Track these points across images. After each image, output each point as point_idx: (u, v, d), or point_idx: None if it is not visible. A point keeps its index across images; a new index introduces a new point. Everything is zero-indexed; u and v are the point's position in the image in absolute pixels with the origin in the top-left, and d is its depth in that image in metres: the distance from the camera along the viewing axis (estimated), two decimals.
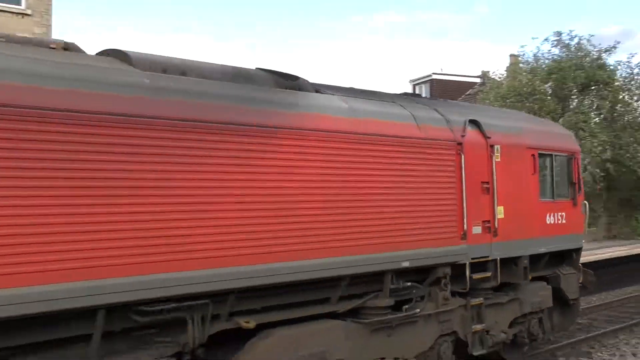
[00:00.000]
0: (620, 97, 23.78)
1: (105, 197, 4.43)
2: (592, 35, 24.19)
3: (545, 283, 9.22)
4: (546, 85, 23.92)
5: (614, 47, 24.21)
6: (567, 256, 9.70)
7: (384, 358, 6.69)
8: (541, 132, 9.46)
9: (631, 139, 22.84)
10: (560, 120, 23.51)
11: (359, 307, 6.45)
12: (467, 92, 39.64)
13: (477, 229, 7.62)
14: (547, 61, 24.80)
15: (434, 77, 40.36)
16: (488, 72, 30.46)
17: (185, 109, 4.98)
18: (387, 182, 6.43)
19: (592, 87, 23.58)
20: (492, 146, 7.98)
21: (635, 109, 23.97)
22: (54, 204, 4.17)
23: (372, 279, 6.57)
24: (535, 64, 25.21)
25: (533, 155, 8.69)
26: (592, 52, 23.97)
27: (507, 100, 23.57)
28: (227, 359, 5.44)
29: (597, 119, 23.24)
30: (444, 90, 40.10)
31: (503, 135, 8.28)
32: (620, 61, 24.54)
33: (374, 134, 6.37)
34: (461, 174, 7.33)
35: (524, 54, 26.44)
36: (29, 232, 4.05)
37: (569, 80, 23.15)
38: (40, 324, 4.32)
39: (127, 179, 4.55)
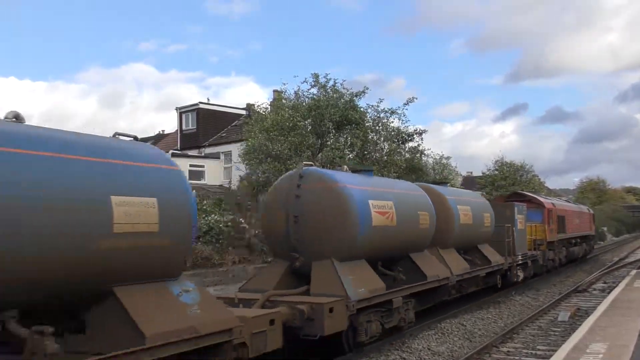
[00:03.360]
0: (370, 137, 26.06)
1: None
2: (344, 80, 26.28)
3: None
4: (306, 122, 25.14)
5: (364, 92, 26.59)
6: None
7: None
8: None
9: (380, 175, 25.09)
10: (320, 155, 24.82)
11: None
12: (234, 123, 40.04)
13: None
14: (307, 99, 26.17)
15: (201, 106, 40.03)
16: (254, 104, 31.02)
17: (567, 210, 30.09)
18: None
19: (347, 126, 25.44)
20: None
21: (382, 149, 26.46)
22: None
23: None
24: (296, 101, 26.40)
25: None
26: (346, 95, 25.99)
27: (271, 134, 24.16)
28: None
29: (350, 155, 25.06)
30: (210, 120, 39.94)
31: None
32: (370, 104, 27.06)
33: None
34: None
35: (286, 91, 27.60)
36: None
37: (326, 118, 24.67)
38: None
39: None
